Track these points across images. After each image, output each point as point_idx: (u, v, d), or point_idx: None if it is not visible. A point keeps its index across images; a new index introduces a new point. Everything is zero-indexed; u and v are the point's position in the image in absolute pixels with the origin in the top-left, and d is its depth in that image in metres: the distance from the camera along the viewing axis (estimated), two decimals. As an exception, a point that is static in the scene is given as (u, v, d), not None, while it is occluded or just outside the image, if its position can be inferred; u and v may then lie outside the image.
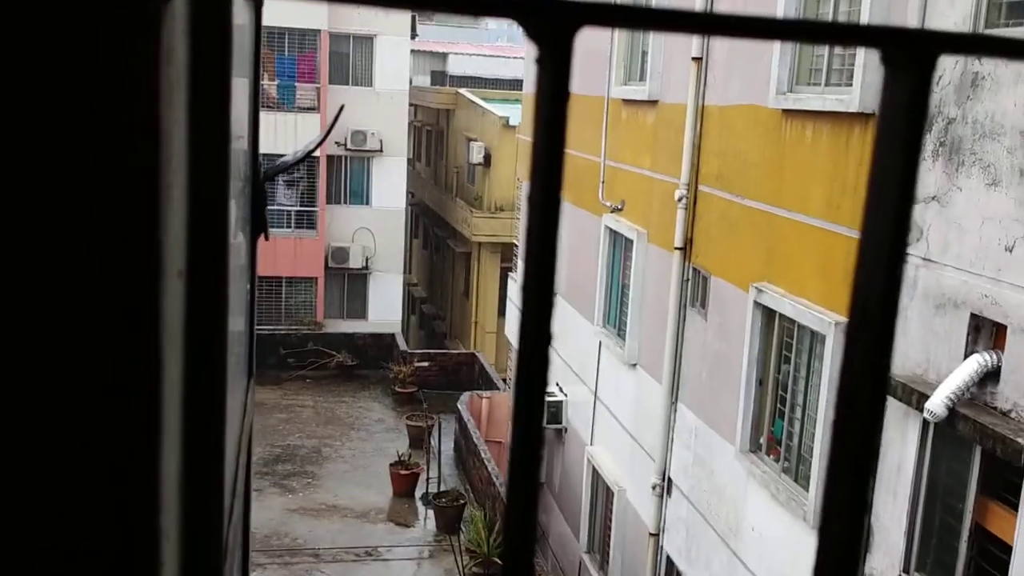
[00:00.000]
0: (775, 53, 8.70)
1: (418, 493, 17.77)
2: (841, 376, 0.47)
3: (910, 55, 0.42)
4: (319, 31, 25.58)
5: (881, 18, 7.31)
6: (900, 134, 0.43)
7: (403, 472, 17.72)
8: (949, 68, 6.57)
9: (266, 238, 1.59)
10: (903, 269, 0.46)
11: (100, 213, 0.49)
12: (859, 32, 0.44)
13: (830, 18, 8.20)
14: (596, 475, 13.32)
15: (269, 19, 24.45)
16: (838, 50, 8.16)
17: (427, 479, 17.53)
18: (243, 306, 1.41)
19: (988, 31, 6.34)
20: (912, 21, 6.88)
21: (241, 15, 1.19)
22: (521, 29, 0.41)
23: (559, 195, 0.41)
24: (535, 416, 0.43)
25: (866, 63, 7.40)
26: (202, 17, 0.63)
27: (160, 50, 0.48)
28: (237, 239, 1.19)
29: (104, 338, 0.49)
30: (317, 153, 25.40)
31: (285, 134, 25.08)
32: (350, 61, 26.50)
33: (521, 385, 0.42)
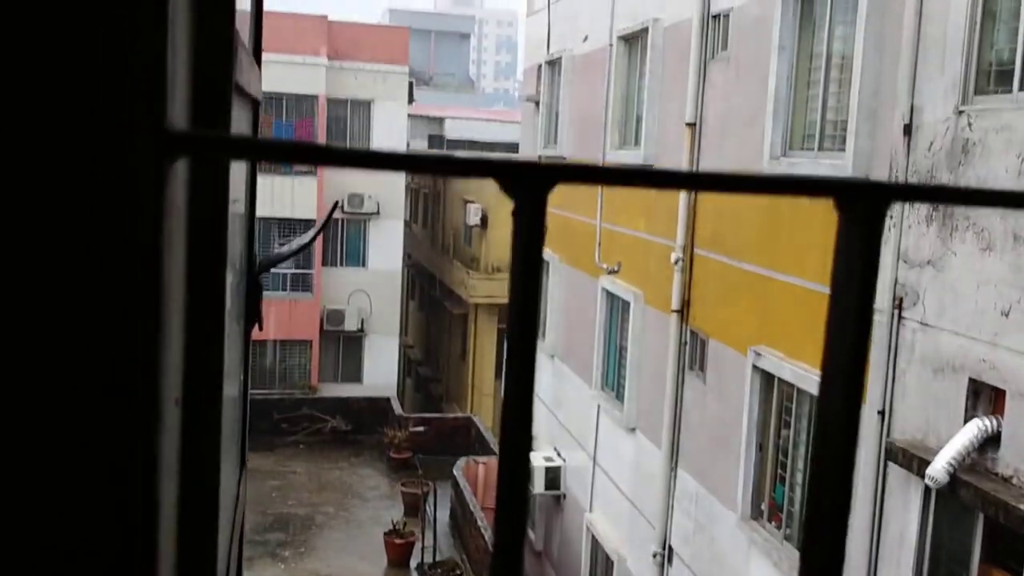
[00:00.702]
0: (768, 118, 8.82)
1: (413, 563, 17.48)
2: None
3: (862, 205, 0.46)
4: (317, 96, 25.92)
5: (872, 86, 7.41)
6: (856, 280, 0.46)
7: (398, 541, 17.45)
8: (940, 134, 6.64)
9: (260, 328, 1.58)
10: (860, 408, 0.49)
11: (103, 351, 0.50)
12: (814, 183, 0.50)
13: (821, 87, 8.33)
14: (595, 543, 13.13)
15: (268, 84, 24.82)
16: (831, 115, 8.27)
17: (422, 548, 17.25)
18: (236, 399, 1.39)
19: (977, 97, 6.42)
20: (902, 88, 6.98)
21: (239, 120, 1.21)
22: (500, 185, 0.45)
23: (535, 331, 0.45)
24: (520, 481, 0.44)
25: (858, 129, 7.49)
26: (201, 175, 0.66)
27: (164, 205, 0.50)
28: (233, 332, 1.18)
29: (105, 475, 0.50)
30: (314, 216, 25.53)
31: (282, 197, 25.26)
32: (348, 125, 26.81)
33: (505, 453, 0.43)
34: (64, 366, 0.51)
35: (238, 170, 1.27)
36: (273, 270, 26.18)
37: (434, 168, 0.45)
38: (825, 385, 0.49)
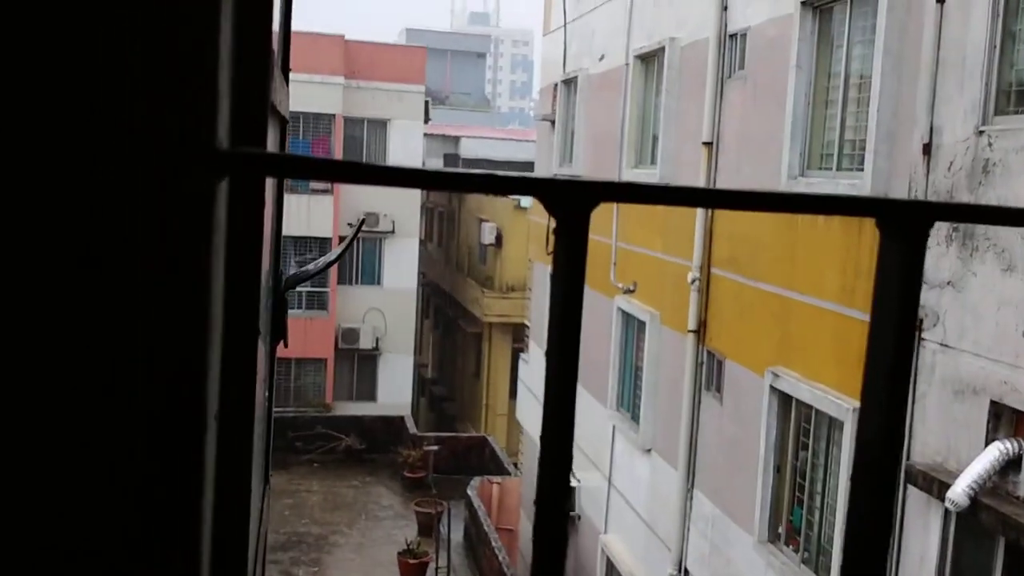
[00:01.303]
0: (785, 137, 8.80)
1: (427, 582, 17.40)
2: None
3: (903, 225, 0.45)
4: (334, 115, 26.08)
5: (890, 105, 7.38)
6: (896, 300, 0.45)
7: (411, 561, 17.38)
8: (960, 153, 6.60)
9: (285, 346, 1.57)
10: (903, 427, 0.48)
11: (154, 367, 0.52)
12: (855, 202, 0.49)
13: (839, 106, 8.31)
14: (610, 565, 13.03)
15: (285, 104, 25.02)
16: (848, 135, 8.24)
17: (436, 568, 17.17)
18: (263, 415, 1.38)
19: (997, 117, 6.39)
20: (921, 108, 6.95)
21: (271, 138, 1.21)
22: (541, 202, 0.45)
23: (576, 355, 0.44)
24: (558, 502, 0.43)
25: (876, 148, 7.46)
26: (240, 192, 0.67)
27: (214, 225, 0.52)
28: (260, 349, 1.17)
29: (151, 482, 0.52)
30: (330, 234, 25.63)
31: (298, 216, 25.37)
32: (364, 144, 26.94)
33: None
34: (120, 384, 0.52)
35: (267, 189, 1.28)
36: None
37: (477, 187, 0.45)
38: (866, 404, 0.47)
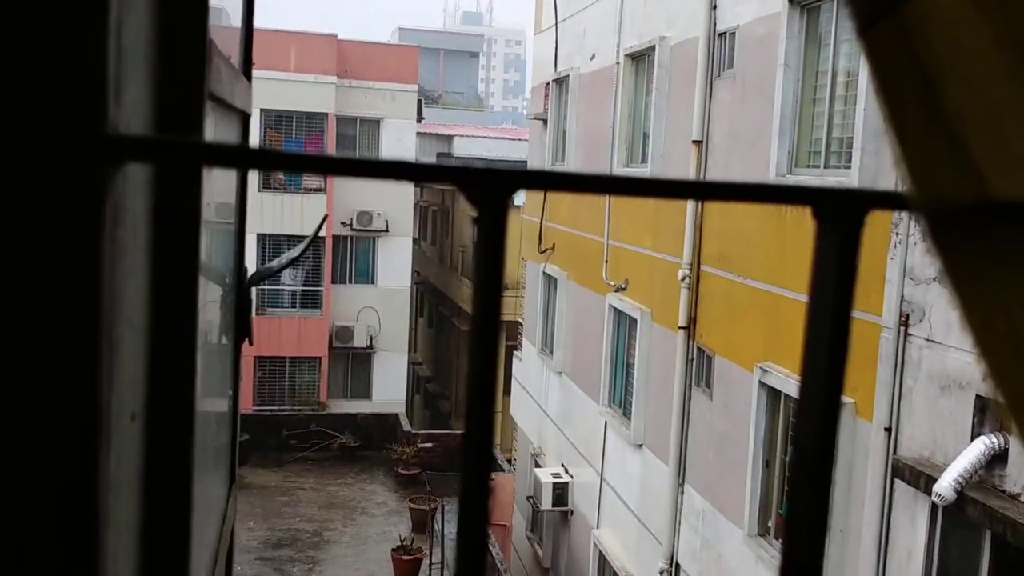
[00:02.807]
0: (774, 135, 8.83)
1: (421, 578, 17.43)
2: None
3: (839, 214, 0.44)
4: (327, 114, 26.05)
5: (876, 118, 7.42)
6: (832, 289, 0.45)
7: (405, 558, 17.40)
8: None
9: (250, 343, 1.59)
10: (839, 410, 0.48)
11: (39, 368, 0.49)
12: (791, 191, 0.48)
13: (827, 104, 8.35)
14: (603, 560, 13.07)
15: (277, 103, 25.00)
16: (836, 132, 8.28)
17: (430, 564, 17.20)
18: (225, 413, 1.40)
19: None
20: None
21: (227, 134, 1.22)
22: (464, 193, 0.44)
23: (496, 343, 0.44)
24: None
25: (863, 146, 7.50)
26: (167, 179, 0.65)
27: (102, 220, 0.49)
28: (220, 346, 1.19)
29: (42, 492, 0.49)
30: (323, 233, 25.61)
31: (292, 215, 25.35)
32: (356, 143, 26.91)
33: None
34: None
35: (226, 184, 1.28)
36: (282, 287, 26.26)
37: (395, 174, 0.45)
38: (803, 397, 0.48)
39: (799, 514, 0.48)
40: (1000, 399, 0.44)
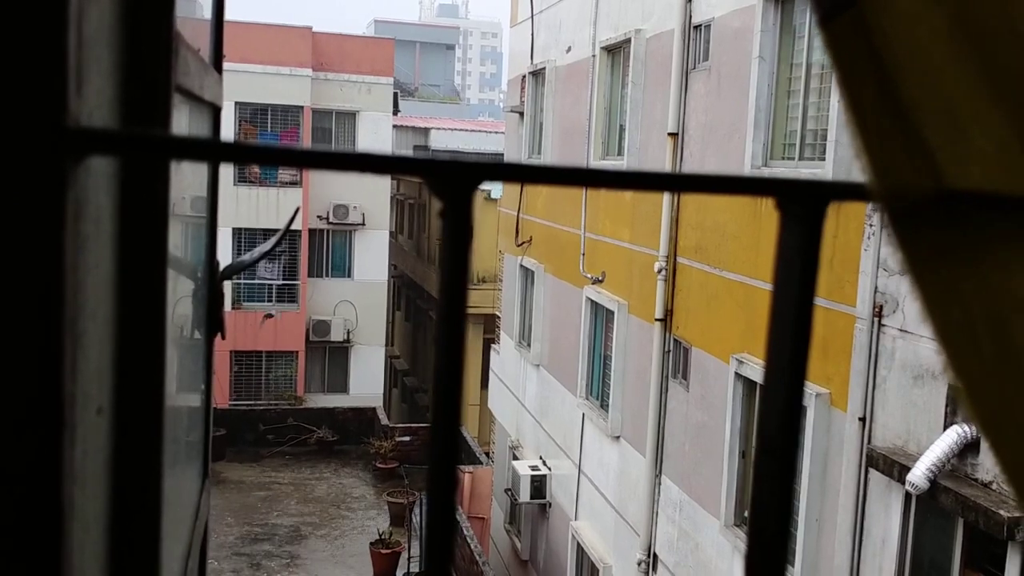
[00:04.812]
0: (749, 128, 8.88)
1: (400, 573, 17.42)
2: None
3: (802, 205, 0.45)
4: (302, 107, 25.91)
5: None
6: (796, 277, 0.45)
7: (384, 551, 17.39)
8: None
9: (222, 337, 1.58)
10: (801, 399, 0.48)
11: (1, 359, 0.49)
12: (755, 183, 0.48)
13: (802, 96, 8.40)
14: (581, 551, 13.12)
15: (253, 95, 24.84)
16: (811, 125, 8.33)
17: (409, 558, 17.20)
18: (197, 407, 1.40)
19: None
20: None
21: (198, 127, 1.21)
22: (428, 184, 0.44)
23: (463, 330, 0.44)
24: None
25: (838, 138, 7.56)
26: (132, 172, 0.64)
27: (64, 214, 0.48)
28: (192, 340, 1.19)
29: (3, 492, 0.49)
30: (299, 227, 25.50)
31: (267, 208, 25.21)
32: (333, 136, 26.79)
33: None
34: None
35: (197, 177, 1.27)
36: (259, 281, 26.12)
37: (361, 166, 0.45)
38: (768, 381, 0.48)
39: (763, 497, 0.49)
40: (958, 387, 0.45)
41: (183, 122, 0.99)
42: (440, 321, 0.45)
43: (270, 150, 0.44)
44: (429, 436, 0.47)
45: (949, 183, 0.42)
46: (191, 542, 1.23)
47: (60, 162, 0.48)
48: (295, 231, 25.53)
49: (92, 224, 0.54)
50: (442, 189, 0.44)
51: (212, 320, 1.42)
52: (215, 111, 1.47)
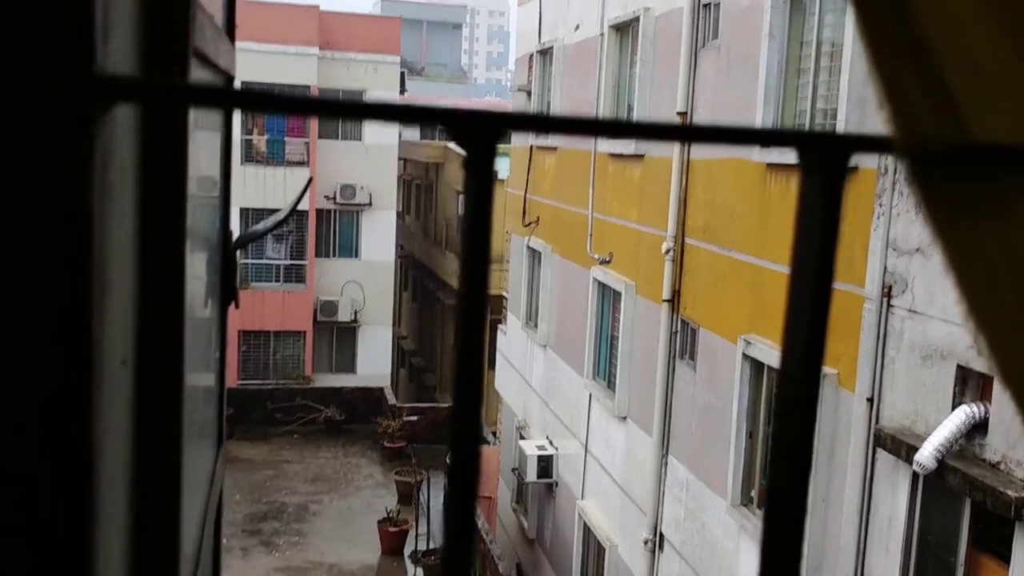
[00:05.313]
0: (758, 106, 8.83)
1: (407, 551, 17.53)
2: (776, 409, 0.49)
3: (824, 157, 0.44)
4: (308, 87, 25.84)
5: (862, 73, 7.43)
6: (817, 232, 0.45)
7: (392, 529, 17.50)
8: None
9: (236, 306, 1.58)
10: (821, 363, 0.48)
11: (28, 318, 0.49)
12: (775, 135, 0.48)
13: (811, 74, 8.34)
14: (587, 530, 13.18)
15: (259, 75, 24.77)
16: (820, 103, 8.28)
17: (416, 536, 17.30)
18: (212, 374, 1.40)
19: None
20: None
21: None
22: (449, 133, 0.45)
23: (486, 282, 0.44)
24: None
25: (847, 116, 7.51)
26: (154, 122, 0.64)
27: (93, 159, 0.49)
28: (207, 307, 1.19)
29: (32, 436, 0.49)
30: (306, 207, 25.50)
31: (274, 188, 25.21)
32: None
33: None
34: None
35: (211, 148, 1.27)
36: (266, 261, 26.15)
37: (381, 115, 0.44)
38: (788, 343, 0.48)
39: (783, 458, 0.48)
40: (979, 338, 0.45)
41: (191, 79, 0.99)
42: (464, 268, 0.45)
43: (289, 99, 0.44)
44: (452, 387, 0.47)
45: (971, 135, 0.42)
46: (207, 505, 1.24)
47: (90, 108, 0.48)
48: (302, 211, 25.54)
49: (117, 175, 0.55)
50: (466, 139, 0.43)
51: (226, 288, 1.43)
52: (228, 80, 1.47)
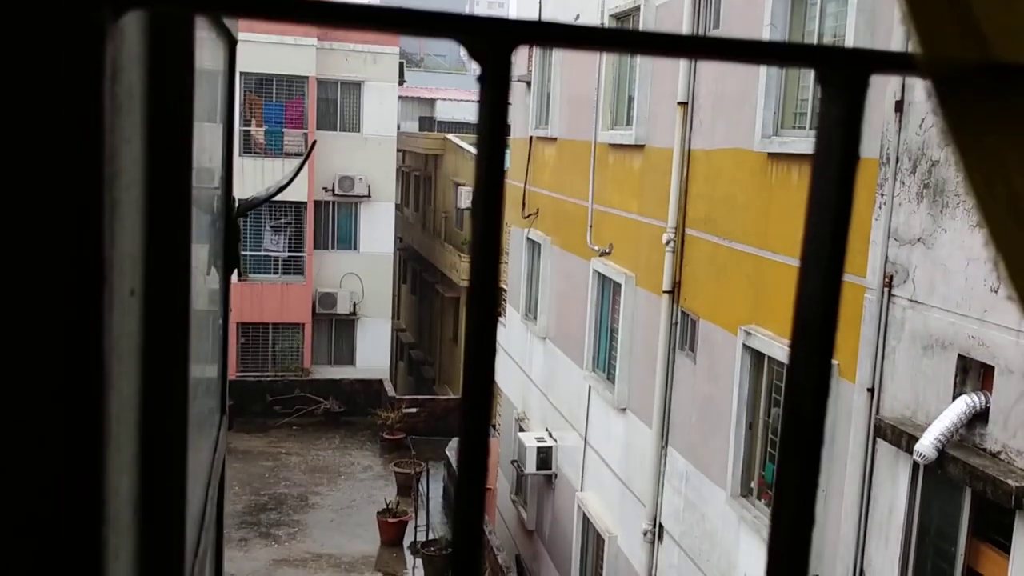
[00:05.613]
0: (760, 97, 8.80)
1: (407, 542, 17.55)
2: (785, 391, 0.47)
3: (844, 74, 0.43)
4: (307, 77, 25.78)
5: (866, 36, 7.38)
6: (837, 151, 0.44)
7: (391, 520, 17.51)
8: (931, 112, 6.64)
9: (239, 275, 1.57)
10: (840, 282, 0.46)
11: (39, 229, 0.49)
12: (793, 50, 0.46)
13: (816, 33, 8.31)
14: (587, 522, 13.19)
15: (257, 66, 24.73)
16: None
17: (415, 527, 17.32)
18: (216, 339, 1.38)
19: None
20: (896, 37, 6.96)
21: (215, 57, 1.19)
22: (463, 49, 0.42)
23: (501, 205, 0.42)
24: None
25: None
26: (160, 36, 0.63)
27: (103, 68, 0.48)
28: (210, 274, 1.17)
29: (45, 351, 0.48)
30: (304, 199, 25.45)
31: (273, 179, 25.10)
32: (338, 107, 26.68)
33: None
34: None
35: (213, 129, 1.25)
36: (264, 253, 26.11)
37: (394, 26, 0.42)
38: (804, 271, 0.46)
39: (792, 434, 0.46)
40: (1000, 265, 0.44)
41: (204, 53, 0.97)
42: (477, 188, 0.43)
43: (297, 4, 0.41)
44: (466, 330, 0.45)
45: (995, 54, 0.41)
46: (211, 469, 1.23)
47: (99, 14, 0.47)
48: (301, 203, 25.50)
49: (126, 96, 0.53)
50: (480, 49, 0.41)
51: (229, 255, 1.41)
52: (232, 43, 1.45)
